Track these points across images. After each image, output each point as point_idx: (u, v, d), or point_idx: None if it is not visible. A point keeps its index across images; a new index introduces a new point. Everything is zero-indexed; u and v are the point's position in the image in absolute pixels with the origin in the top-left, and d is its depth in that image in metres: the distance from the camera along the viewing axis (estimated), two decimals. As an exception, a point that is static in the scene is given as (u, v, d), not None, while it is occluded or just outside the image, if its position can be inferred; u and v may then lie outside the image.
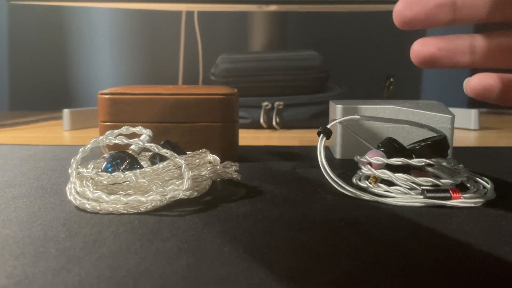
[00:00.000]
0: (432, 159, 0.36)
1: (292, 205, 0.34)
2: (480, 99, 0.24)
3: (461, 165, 0.38)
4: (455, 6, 0.23)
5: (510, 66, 0.24)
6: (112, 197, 0.31)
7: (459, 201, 0.33)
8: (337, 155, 0.51)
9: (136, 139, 0.36)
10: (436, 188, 0.34)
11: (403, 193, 0.35)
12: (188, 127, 0.47)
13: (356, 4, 0.81)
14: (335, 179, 0.36)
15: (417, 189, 0.35)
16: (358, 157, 0.39)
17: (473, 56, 0.24)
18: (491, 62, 0.24)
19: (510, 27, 0.24)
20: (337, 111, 0.51)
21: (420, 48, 0.23)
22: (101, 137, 0.36)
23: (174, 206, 0.33)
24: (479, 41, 0.24)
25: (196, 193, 0.35)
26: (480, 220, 0.30)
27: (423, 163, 0.36)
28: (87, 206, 0.32)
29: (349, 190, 0.35)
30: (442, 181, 0.35)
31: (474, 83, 0.24)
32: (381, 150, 0.38)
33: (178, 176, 0.35)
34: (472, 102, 1.06)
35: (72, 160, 0.35)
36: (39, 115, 0.93)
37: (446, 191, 0.34)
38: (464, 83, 0.24)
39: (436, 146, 0.38)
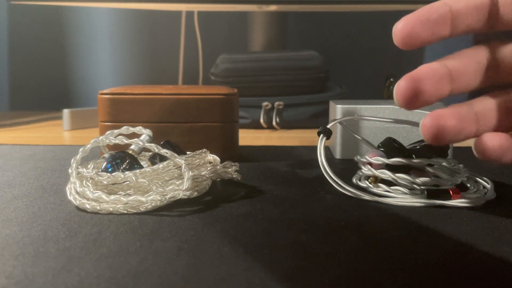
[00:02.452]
0: (432, 159, 0.36)
1: (292, 205, 0.34)
2: (490, 159, 0.24)
3: (461, 165, 0.38)
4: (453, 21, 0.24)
5: None
6: (112, 197, 0.31)
7: (459, 201, 0.33)
8: (337, 155, 0.51)
9: (136, 139, 0.36)
10: (436, 188, 0.34)
11: (403, 193, 0.35)
12: (188, 127, 0.47)
13: (356, 4, 0.81)
14: (335, 179, 0.36)
15: (417, 189, 0.35)
16: (358, 157, 0.39)
17: (477, 124, 0.24)
18: (494, 123, 0.24)
19: (506, 87, 0.24)
20: (337, 111, 0.51)
21: (433, 122, 0.23)
22: (101, 137, 0.36)
23: (174, 206, 0.33)
24: (478, 107, 0.24)
25: (196, 193, 0.35)
26: (480, 220, 0.30)
27: (423, 163, 0.36)
28: (87, 206, 0.32)
29: (349, 190, 0.35)
30: (442, 181, 0.35)
31: (486, 143, 0.23)
32: (381, 150, 0.38)
33: (178, 176, 0.35)
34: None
35: (72, 160, 0.35)
36: (39, 115, 0.93)
37: (446, 191, 0.34)
38: (473, 145, 0.24)
39: (436, 146, 0.38)
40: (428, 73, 0.23)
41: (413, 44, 0.24)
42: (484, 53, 0.24)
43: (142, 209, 0.32)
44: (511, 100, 0.24)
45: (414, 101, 0.23)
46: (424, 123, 0.23)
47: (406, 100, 0.23)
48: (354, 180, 0.39)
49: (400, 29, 0.24)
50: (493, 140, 0.23)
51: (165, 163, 0.34)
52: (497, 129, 0.24)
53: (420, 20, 0.23)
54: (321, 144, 0.38)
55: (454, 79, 0.24)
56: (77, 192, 0.33)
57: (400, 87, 0.23)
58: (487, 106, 0.24)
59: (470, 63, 0.24)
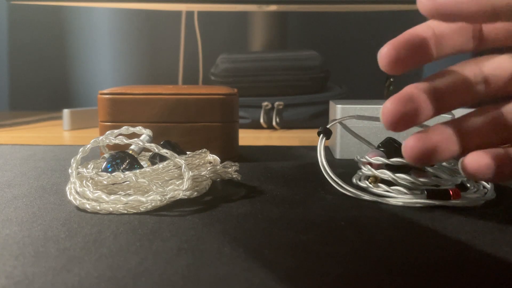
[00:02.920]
0: (432, 159, 0.36)
1: (292, 205, 0.34)
2: (477, 179, 0.23)
3: (461, 165, 0.38)
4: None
5: (502, 141, 0.24)
6: (112, 197, 0.31)
7: (459, 201, 0.33)
8: (337, 155, 0.51)
9: (136, 139, 0.36)
10: (436, 188, 0.34)
11: (403, 193, 0.35)
12: (188, 127, 0.47)
13: (356, 4, 0.81)
14: (335, 179, 0.36)
15: (417, 189, 0.35)
16: (358, 157, 0.39)
17: (463, 142, 0.23)
18: (483, 140, 0.24)
19: (493, 102, 0.24)
20: (337, 111, 0.51)
21: (416, 144, 0.23)
22: (101, 137, 0.36)
23: (174, 206, 0.33)
24: (464, 124, 0.24)
25: (196, 193, 0.35)
26: (480, 220, 0.30)
27: (423, 163, 0.36)
28: (87, 206, 0.32)
29: (349, 190, 0.35)
30: (442, 181, 0.35)
31: (470, 164, 0.23)
32: (381, 150, 0.38)
33: (178, 176, 0.35)
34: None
35: (72, 160, 0.35)
36: (39, 115, 0.93)
37: (446, 191, 0.34)
38: (459, 165, 0.23)
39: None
40: (413, 96, 0.23)
41: (399, 69, 0.24)
42: (471, 69, 0.24)
43: (142, 209, 0.32)
44: (500, 115, 0.24)
45: (401, 121, 0.23)
46: (407, 144, 0.23)
47: (393, 121, 0.23)
48: (354, 180, 0.39)
49: (384, 55, 0.24)
50: (474, 160, 0.23)
51: (165, 163, 0.34)
52: (487, 145, 0.24)
53: (403, 45, 0.23)
54: (321, 144, 0.38)
55: (440, 99, 0.23)
56: (77, 192, 0.33)
57: (385, 107, 0.23)
58: (474, 123, 0.24)
59: (457, 80, 0.24)
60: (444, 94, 0.23)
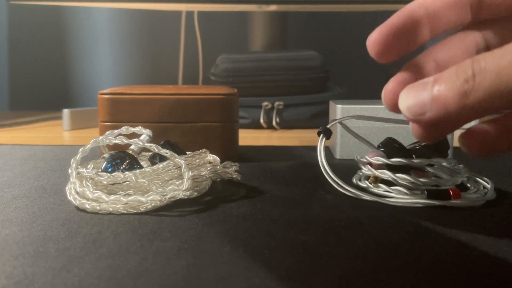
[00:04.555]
0: (432, 159, 0.36)
1: (292, 205, 0.34)
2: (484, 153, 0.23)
3: (461, 165, 0.38)
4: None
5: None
6: (112, 197, 0.31)
7: (459, 201, 0.33)
8: (337, 155, 0.51)
9: (136, 139, 0.36)
10: (436, 188, 0.34)
11: (403, 193, 0.35)
12: (188, 127, 0.47)
13: (356, 4, 0.81)
14: (335, 179, 0.36)
15: (417, 189, 0.35)
16: (358, 157, 0.39)
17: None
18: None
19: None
20: (337, 111, 0.51)
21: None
22: (101, 137, 0.36)
23: (174, 206, 0.33)
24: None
25: (196, 193, 0.35)
26: (480, 220, 0.30)
27: (423, 163, 0.36)
28: (87, 206, 0.32)
29: (349, 190, 0.35)
30: (442, 181, 0.35)
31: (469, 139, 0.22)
32: (381, 150, 0.38)
33: (178, 176, 0.35)
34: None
35: (72, 160, 0.35)
36: (39, 115, 0.93)
37: (446, 191, 0.34)
38: (459, 140, 0.23)
39: (436, 146, 0.38)
40: (404, 15, 0.22)
41: (389, 56, 0.23)
42: None
43: (142, 209, 0.32)
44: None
45: (386, 48, 0.22)
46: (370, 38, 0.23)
47: (378, 47, 0.22)
48: (354, 180, 0.39)
49: (373, 41, 0.22)
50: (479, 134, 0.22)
51: (165, 163, 0.34)
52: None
53: (393, 30, 0.22)
54: (321, 144, 0.38)
55: (436, 17, 0.22)
56: (77, 192, 0.33)
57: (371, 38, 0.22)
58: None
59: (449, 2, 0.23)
60: (439, 11, 0.22)
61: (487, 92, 0.19)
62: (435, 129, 0.22)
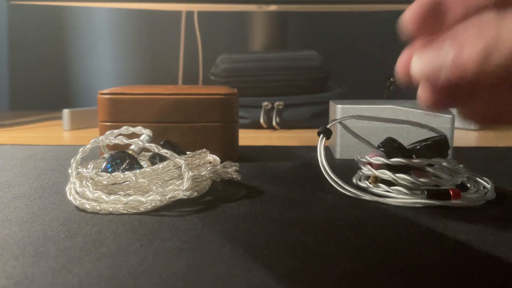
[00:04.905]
0: (432, 159, 0.36)
1: (292, 205, 0.34)
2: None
3: (461, 165, 0.38)
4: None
5: None
6: (112, 197, 0.31)
7: (459, 201, 0.33)
8: (337, 155, 0.51)
9: (136, 139, 0.36)
10: (436, 188, 0.34)
11: (403, 193, 0.35)
12: (188, 127, 0.47)
13: (356, 4, 0.81)
14: (335, 179, 0.36)
15: (417, 189, 0.35)
16: (358, 157, 0.39)
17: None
18: None
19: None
20: (337, 111, 0.50)
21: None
22: (101, 137, 0.36)
23: (174, 206, 0.33)
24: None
25: (196, 193, 0.35)
26: (480, 220, 0.30)
27: (423, 163, 0.36)
28: (87, 206, 0.32)
29: (349, 190, 0.35)
30: (442, 181, 0.35)
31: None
32: (381, 150, 0.38)
33: (178, 176, 0.35)
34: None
35: (72, 160, 0.35)
36: (39, 115, 0.93)
37: (446, 191, 0.34)
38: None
39: (436, 146, 0.38)
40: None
41: (426, 31, 0.21)
42: None
43: (142, 209, 0.32)
44: None
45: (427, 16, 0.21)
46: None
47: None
48: (354, 180, 0.39)
49: (410, 17, 0.21)
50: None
51: (165, 163, 0.34)
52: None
53: (430, 4, 0.21)
54: (321, 144, 0.38)
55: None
56: (77, 192, 0.33)
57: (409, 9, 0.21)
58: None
59: None
60: None
61: (510, 55, 0.18)
62: (447, 94, 0.21)
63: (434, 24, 0.21)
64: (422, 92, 0.22)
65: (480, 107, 0.22)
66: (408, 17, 0.21)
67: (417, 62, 0.21)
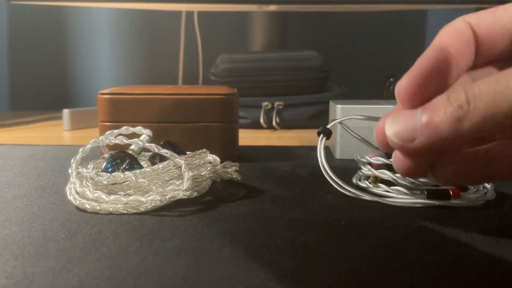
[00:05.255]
0: (432, 159, 0.36)
1: (292, 205, 0.34)
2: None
3: (461, 165, 0.38)
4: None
5: None
6: (112, 197, 0.31)
7: (459, 201, 0.33)
8: (337, 155, 0.51)
9: (136, 139, 0.36)
10: (436, 188, 0.34)
11: (403, 193, 0.35)
12: (188, 127, 0.47)
13: (356, 4, 0.81)
14: (335, 179, 0.36)
15: (417, 189, 0.35)
16: (358, 157, 0.39)
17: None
18: None
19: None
20: (337, 111, 0.51)
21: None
22: (101, 137, 0.36)
23: (174, 206, 0.33)
24: None
25: (196, 193, 0.35)
26: (480, 220, 0.30)
27: (423, 163, 0.36)
28: (87, 206, 0.32)
29: (349, 190, 0.35)
30: (442, 181, 0.35)
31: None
32: (381, 150, 0.38)
33: (178, 176, 0.35)
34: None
35: (72, 160, 0.35)
36: (39, 115, 0.93)
37: (446, 191, 0.34)
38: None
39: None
40: (432, 57, 0.21)
41: (418, 101, 0.21)
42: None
43: (142, 209, 0.32)
44: None
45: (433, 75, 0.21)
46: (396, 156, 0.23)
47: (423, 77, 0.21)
48: (354, 180, 0.39)
49: (403, 89, 0.21)
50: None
51: (165, 163, 0.34)
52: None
53: (424, 74, 0.21)
54: (321, 144, 0.38)
55: (457, 59, 0.22)
56: (77, 192, 0.33)
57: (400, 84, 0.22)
58: None
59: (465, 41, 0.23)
60: (461, 50, 0.22)
61: (483, 117, 0.19)
62: (422, 160, 0.22)
63: (434, 87, 0.22)
64: (397, 158, 0.22)
65: (452, 172, 0.23)
66: (401, 89, 0.22)
67: (390, 126, 0.22)
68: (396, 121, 0.21)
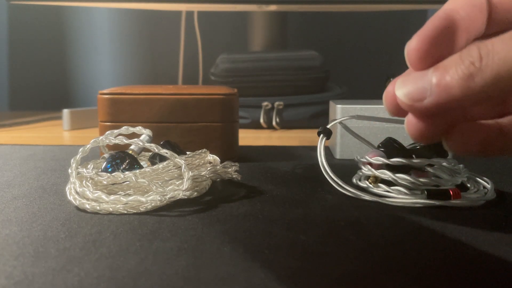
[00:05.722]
0: (432, 159, 0.36)
1: (292, 205, 0.34)
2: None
3: (461, 165, 0.38)
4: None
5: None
6: (112, 197, 0.31)
7: (459, 201, 0.33)
8: (337, 155, 0.51)
9: (136, 139, 0.36)
10: (436, 188, 0.34)
11: (403, 193, 0.35)
12: (188, 127, 0.47)
13: (356, 4, 0.81)
14: (335, 179, 0.36)
15: (417, 189, 0.35)
16: (358, 157, 0.39)
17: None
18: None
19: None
20: (337, 111, 0.51)
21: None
22: (101, 137, 0.36)
23: (174, 206, 0.33)
24: None
25: (196, 193, 0.35)
26: (480, 220, 0.30)
27: (423, 163, 0.36)
28: (87, 206, 0.32)
29: (349, 190, 0.35)
30: (442, 181, 0.35)
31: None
32: (381, 150, 0.38)
33: (178, 176, 0.35)
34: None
35: (72, 160, 0.35)
36: (39, 115, 0.93)
37: (446, 191, 0.34)
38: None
39: (436, 146, 0.38)
40: (441, 19, 0.21)
41: (427, 63, 0.21)
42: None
43: (142, 209, 0.32)
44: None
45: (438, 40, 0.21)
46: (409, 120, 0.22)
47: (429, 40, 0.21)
48: (354, 180, 0.39)
49: (413, 49, 0.21)
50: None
51: (165, 163, 0.34)
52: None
53: (433, 35, 0.21)
54: (321, 144, 0.38)
55: (467, 23, 0.21)
56: (77, 192, 0.33)
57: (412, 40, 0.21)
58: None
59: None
60: (471, 14, 0.22)
61: (496, 74, 0.18)
62: (434, 123, 0.22)
63: (443, 49, 0.21)
64: (409, 122, 0.22)
65: (464, 138, 0.22)
66: (411, 49, 0.21)
67: (400, 86, 0.21)
68: (406, 82, 0.21)
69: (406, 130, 0.22)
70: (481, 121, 0.22)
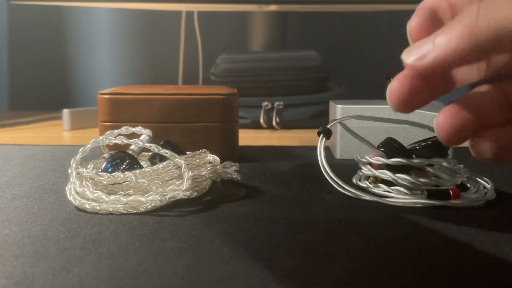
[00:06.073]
0: (432, 159, 0.36)
1: (292, 205, 0.34)
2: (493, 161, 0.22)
3: (461, 165, 0.38)
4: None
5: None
6: (112, 197, 0.31)
7: (459, 201, 0.33)
8: (337, 155, 0.51)
9: (136, 139, 0.36)
10: (436, 188, 0.34)
11: (403, 193, 0.35)
12: (188, 127, 0.47)
13: (356, 4, 0.81)
14: (335, 179, 0.36)
15: (417, 189, 0.35)
16: (358, 157, 0.39)
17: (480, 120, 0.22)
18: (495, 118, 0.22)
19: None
20: (337, 111, 0.50)
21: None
22: (101, 137, 0.36)
23: (174, 206, 0.33)
24: (477, 101, 0.22)
25: (196, 193, 0.35)
26: (480, 220, 0.30)
27: (423, 163, 0.36)
28: (87, 206, 0.32)
29: (349, 190, 0.35)
30: (442, 181, 0.35)
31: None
32: (381, 150, 0.38)
33: (178, 176, 0.35)
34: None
35: (72, 160, 0.35)
36: (39, 115, 0.93)
37: (446, 191, 0.34)
38: (472, 147, 0.22)
39: (436, 146, 0.38)
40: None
41: (413, 107, 0.22)
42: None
43: (142, 209, 0.32)
44: (509, 92, 0.23)
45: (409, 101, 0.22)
46: (439, 121, 0.22)
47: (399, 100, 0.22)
48: (354, 180, 0.39)
49: (395, 90, 0.22)
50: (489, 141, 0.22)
51: (165, 163, 0.34)
52: (495, 123, 0.23)
53: (417, 77, 0.22)
54: (321, 144, 0.38)
55: (448, 76, 0.22)
56: (77, 192, 0.33)
57: (393, 85, 0.22)
58: (485, 99, 0.22)
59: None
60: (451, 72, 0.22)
61: (495, 23, 0.18)
62: (467, 121, 0.22)
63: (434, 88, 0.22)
64: (438, 123, 0.22)
65: (491, 145, 0.22)
66: (412, 27, 0.22)
67: (406, 51, 0.22)
68: (411, 48, 0.22)
69: (436, 131, 0.22)
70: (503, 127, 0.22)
